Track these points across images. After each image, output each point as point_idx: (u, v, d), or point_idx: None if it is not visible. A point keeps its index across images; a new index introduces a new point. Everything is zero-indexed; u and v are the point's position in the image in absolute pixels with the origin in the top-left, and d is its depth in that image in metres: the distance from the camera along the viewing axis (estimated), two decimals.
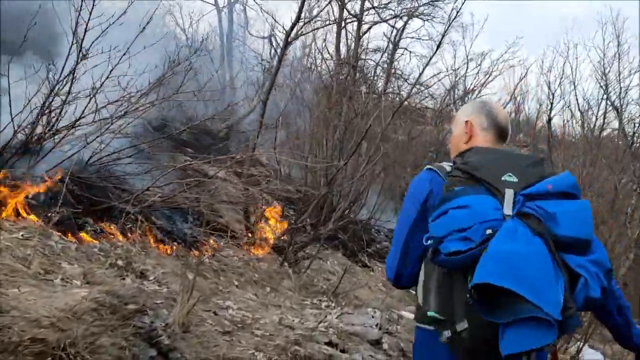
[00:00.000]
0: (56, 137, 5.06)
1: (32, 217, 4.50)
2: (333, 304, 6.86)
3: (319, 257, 9.62)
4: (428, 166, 2.12)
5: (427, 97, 19.34)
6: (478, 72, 20.78)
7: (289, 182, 9.14)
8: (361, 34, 14.76)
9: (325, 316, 6.02)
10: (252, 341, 4.64)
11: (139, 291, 4.55)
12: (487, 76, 19.62)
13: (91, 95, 4.96)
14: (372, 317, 6.04)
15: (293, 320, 5.72)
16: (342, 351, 5.07)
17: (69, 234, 4.73)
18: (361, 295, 8.51)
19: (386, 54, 17.73)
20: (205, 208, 4.39)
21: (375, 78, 18.40)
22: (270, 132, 10.77)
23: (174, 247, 5.66)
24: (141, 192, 5.50)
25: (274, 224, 7.74)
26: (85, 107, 5.06)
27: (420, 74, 10.10)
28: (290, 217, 8.00)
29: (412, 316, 9.16)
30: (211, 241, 6.82)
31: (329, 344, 5.01)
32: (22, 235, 4.20)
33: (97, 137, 5.23)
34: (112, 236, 5.24)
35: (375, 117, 8.91)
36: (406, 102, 19.89)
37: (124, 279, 4.67)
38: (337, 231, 11.12)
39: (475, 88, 19.84)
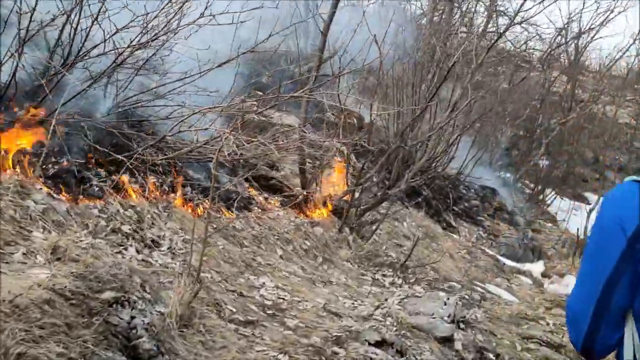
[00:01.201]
0: (58, 74, 4.17)
1: (7, 166, 3.65)
2: (400, 281, 5.72)
3: (395, 217, 8.45)
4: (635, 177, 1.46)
5: (534, 36, 17.04)
6: (597, 9, 18.02)
7: (366, 132, 7.89)
8: None
9: (385, 299, 4.90)
10: (278, 337, 3.63)
11: (142, 267, 3.65)
12: (608, 13, 16.87)
13: (94, 20, 3.98)
14: (445, 303, 4.84)
15: (344, 304, 4.67)
16: (399, 353, 3.95)
17: (64, 192, 3.88)
18: (439, 266, 7.29)
19: None
20: (214, 164, 3.34)
21: (475, 15, 16.41)
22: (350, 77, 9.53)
23: (204, 207, 4.71)
24: (157, 141, 4.54)
25: (335, 180, 6.62)
26: (88, 34, 4.09)
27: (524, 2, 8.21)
28: (358, 173, 6.85)
29: (502, 293, 7.85)
30: (261, 199, 5.84)
31: (381, 343, 3.90)
32: None
33: (106, 71, 4.28)
34: (128, 194, 4.35)
35: (469, 56, 7.43)
36: (509, 45, 17.69)
37: (126, 249, 3.78)
38: (420, 187, 9.88)
39: (592, 27, 17.18)
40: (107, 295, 2.96)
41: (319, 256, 5.47)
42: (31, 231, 3.26)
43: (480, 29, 14.18)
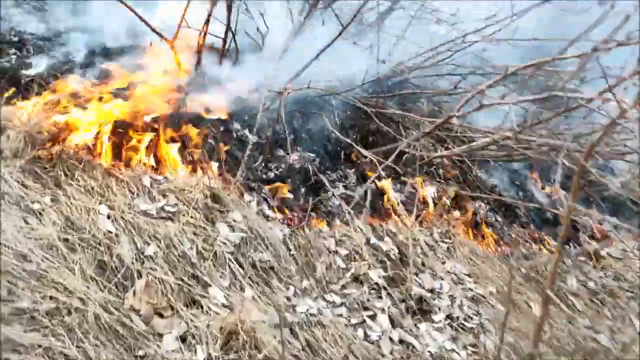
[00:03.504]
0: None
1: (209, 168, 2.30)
2: None
3: None
4: None
5: None
6: None
7: None
8: None
9: None
10: None
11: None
12: None
13: None
14: None
15: None
16: None
17: (284, 208, 2.41)
18: None
19: None
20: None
21: None
22: None
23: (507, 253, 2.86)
24: (435, 128, 2.77)
25: None
26: None
27: None
28: None
29: None
30: (593, 222, 3.70)
31: None
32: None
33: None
34: (386, 212, 2.73)
35: None
36: None
37: (373, 317, 2.14)
38: None
39: None
40: None
41: None
42: (208, 286, 1.82)
43: None
